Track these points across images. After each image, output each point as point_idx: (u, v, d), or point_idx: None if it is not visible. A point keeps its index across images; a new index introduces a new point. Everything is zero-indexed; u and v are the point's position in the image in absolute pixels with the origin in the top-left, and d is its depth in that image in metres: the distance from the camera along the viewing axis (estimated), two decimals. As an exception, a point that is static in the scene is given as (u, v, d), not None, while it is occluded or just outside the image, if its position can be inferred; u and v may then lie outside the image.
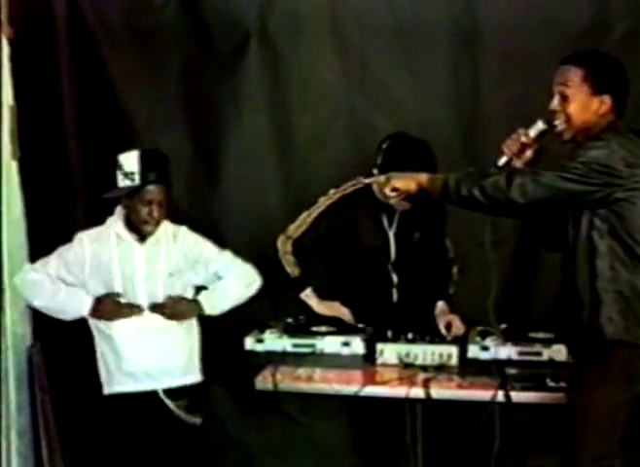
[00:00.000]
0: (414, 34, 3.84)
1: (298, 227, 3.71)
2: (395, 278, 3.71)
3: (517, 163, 2.89)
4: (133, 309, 3.34)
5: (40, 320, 3.93)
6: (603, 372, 2.74)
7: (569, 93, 2.80)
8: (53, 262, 3.39)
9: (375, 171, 3.54)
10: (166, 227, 3.43)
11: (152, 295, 3.38)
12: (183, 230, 3.50)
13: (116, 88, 4.03)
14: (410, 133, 3.92)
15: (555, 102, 2.83)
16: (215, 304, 3.51)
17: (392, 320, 3.57)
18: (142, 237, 3.39)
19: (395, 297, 3.72)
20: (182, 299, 3.46)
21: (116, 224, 3.40)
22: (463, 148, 3.93)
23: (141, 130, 4.00)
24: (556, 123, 2.84)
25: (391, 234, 3.68)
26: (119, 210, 3.41)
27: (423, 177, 2.93)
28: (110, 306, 3.33)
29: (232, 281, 3.51)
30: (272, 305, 4.04)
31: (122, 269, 3.36)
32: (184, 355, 3.48)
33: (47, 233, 3.94)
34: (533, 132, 2.89)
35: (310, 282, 3.69)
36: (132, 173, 3.27)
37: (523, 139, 2.89)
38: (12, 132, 3.89)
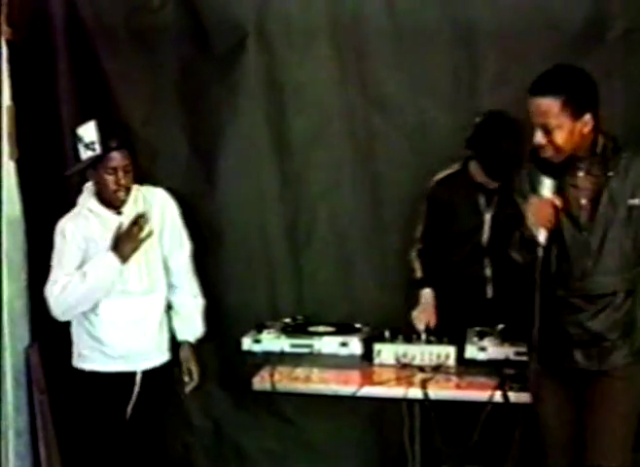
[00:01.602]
0: (412, 34, 3.81)
1: (414, 230, 3.71)
2: (488, 271, 3.62)
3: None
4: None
5: (37, 321, 3.94)
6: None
7: (552, 126, 2.72)
8: (63, 262, 3.30)
9: (464, 144, 3.49)
10: (136, 191, 3.40)
11: (139, 266, 3.35)
12: (161, 193, 3.48)
13: (113, 88, 4.02)
14: (409, 134, 3.95)
15: (539, 136, 2.76)
16: (195, 331, 3.56)
17: (485, 313, 3.56)
18: (117, 209, 3.35)
19: (489, 292, 3.63)
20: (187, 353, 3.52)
21: (88, 201, 3.37)
22: (461, 149, 3.90)
23: (139, 130, 3.98)
24: (546, 155, 2.78)
25: (488, 216, 3.59)
26: (88, 187, 3.38)
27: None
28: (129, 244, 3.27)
29: (192, 301, 3.56)
30: (270, 305, 4.04)
31: (108, 243, 3.30)
32: (161, 338, 3.48)
33: (45, 233, 3.92)
34: (549, 192, 2.79)
35: (429, 283, 3.67)
36: (93, 143, 3.24)
37: (557, 203, 2.78)
38: (10, 132, 3.90)
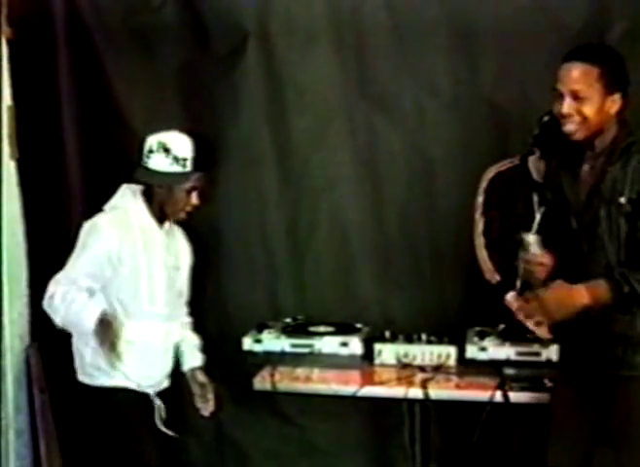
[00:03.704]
0: (412, 34, 3.81)
1: (475, 227, 3.59)
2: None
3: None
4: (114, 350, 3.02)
5: (38, 320, 3.94)
6: None
7: (584, 94, 2.66)
8: (79, 263, 3.10)
9: (530, 141, 3.39)
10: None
11: (168, 290, 3.27)
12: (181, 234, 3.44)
13: (114, 87, 4.01)
14: (409, 133, 3.94)
15: (568, 104, 2.69)
16: (200, 358, 3.46)
17: None
18: (160, 222, 3.24)
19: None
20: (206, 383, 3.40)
21: (136, 206, 3.22)
22: (462, 149, 3.91)
23: (139, 130, 3.94)
24: (568, 127, 2.73)
25: (538, 215, 3.48)
26: (133, 189, 3.23)
27: (583, 293, 2.64)
28: (110, 334, 2.98)
29: (193, 335, 3.49)
30: (270, 305, 4.04)
31: (147, 258, 3.19)
32: (169, 367, 3.40)
33: (45, 234, 3.94)
34: (538, 248, 2.80)
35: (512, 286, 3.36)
36: (185, 159, 3.14)
37: (545, 260, 2.78)
38: (10, 132, 3.89)
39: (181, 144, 3.17)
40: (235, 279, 4.04)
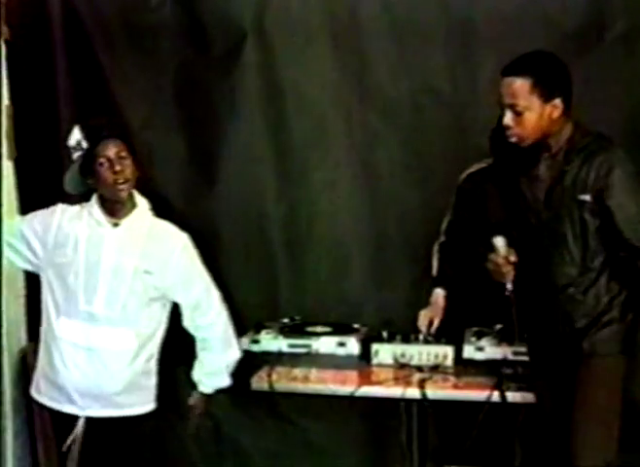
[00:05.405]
0: (411, 34, 3.83)
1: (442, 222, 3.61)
2: None
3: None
4: None
5: (35, 321, 3.93)
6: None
7: (521, 107, 2.77)
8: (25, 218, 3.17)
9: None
10: (153, 221, 3.20)
11: (113, 292, 3.06)
12: (183, 239, 3.23)
13: (112, 87, 4.03)
14: (407, 133, 3.94)
15: (509, 117, 2.79)
16: (214, 384, 3.38)
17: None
18: (115, 223, 3.11)
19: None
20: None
21: (91, 207, 3.15)
22: (460, 149, 3.91)
23: (137, 130, 3.98)
24: (512, 139, 2.83)
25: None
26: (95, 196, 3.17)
27: None
28: None
29: (218, 355, 3.32)
30: (268, 305, 4.04)
31: (87, 255, 3.06)
32: (133, 385, 3.17)
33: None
34: (504, 249, 2.91)
35: (442, 283, 3.53)
36: (79, 142, 3.04)
37: (513, 259, 2.89)
38: (8, 132, 3.88)
39: (71, 135, 3.09)
40: (233, 279, 4.02)
